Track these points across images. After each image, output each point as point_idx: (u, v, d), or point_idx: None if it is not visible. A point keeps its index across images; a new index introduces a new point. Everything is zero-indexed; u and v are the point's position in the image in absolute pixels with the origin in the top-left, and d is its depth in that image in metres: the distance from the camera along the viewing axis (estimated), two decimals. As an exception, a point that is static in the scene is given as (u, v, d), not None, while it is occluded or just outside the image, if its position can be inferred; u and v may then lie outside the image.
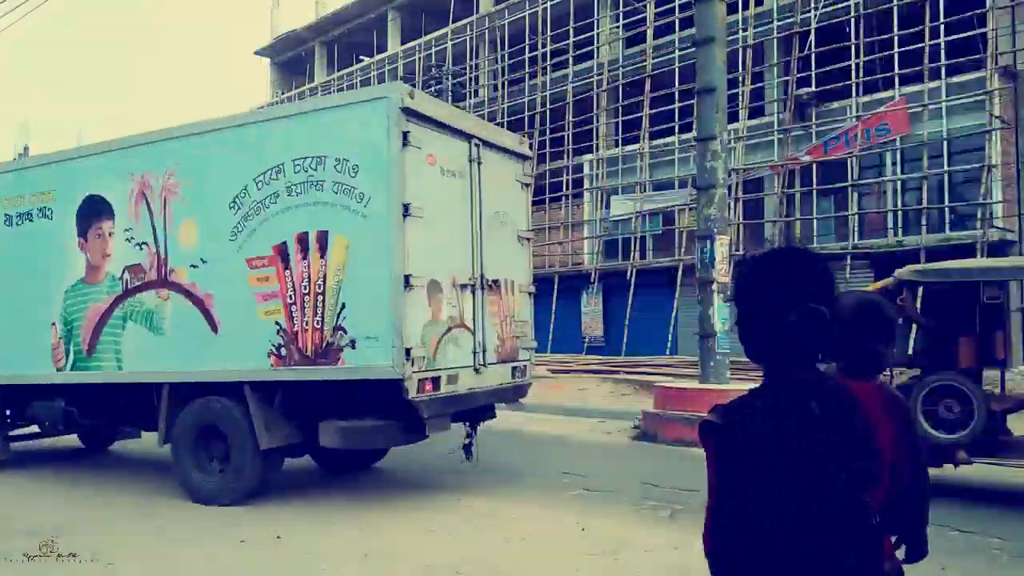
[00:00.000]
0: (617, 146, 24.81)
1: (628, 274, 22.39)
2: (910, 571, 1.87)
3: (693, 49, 13.24)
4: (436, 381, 6.79)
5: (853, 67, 18.88)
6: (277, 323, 6.86)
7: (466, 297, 7.36)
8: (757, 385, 1.69)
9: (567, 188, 25.31)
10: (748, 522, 1.56)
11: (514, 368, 8.13)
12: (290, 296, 6.81)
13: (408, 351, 6.36)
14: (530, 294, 8.68)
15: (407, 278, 6.41)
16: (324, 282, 6.64)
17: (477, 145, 7.60)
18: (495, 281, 7.75)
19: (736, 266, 1.74)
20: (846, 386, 1.71)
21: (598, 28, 25.73)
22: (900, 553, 1.95)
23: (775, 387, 1.63)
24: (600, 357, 22.55)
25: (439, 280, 6.94)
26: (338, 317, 6.57)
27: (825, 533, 1.53)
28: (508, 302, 8.03)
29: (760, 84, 21.56)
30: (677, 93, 21.92)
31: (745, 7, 20.83)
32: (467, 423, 7.94)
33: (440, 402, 6.86)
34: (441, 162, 7.09)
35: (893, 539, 1.87)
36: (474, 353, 7.42)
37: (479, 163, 7.59)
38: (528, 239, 8.67)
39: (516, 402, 8.67)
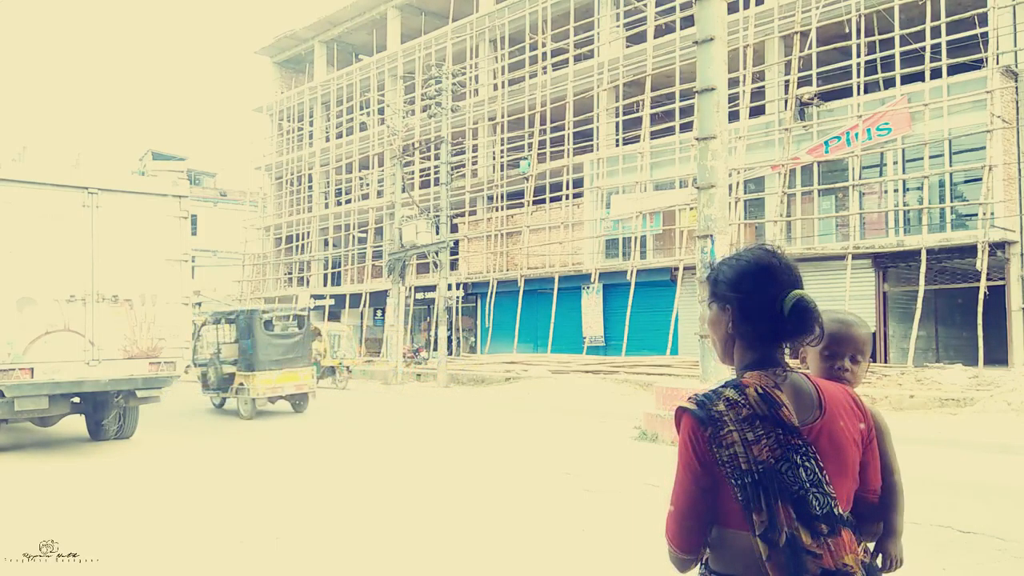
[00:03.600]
0: (617, 146, 24.80)
1: (628, 274, 22.38)
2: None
3: (693, 49, 13.22)
4: (32, 371, 9.22)
5: (854, 67, 18.86)
6: None
7: (75, 308, 9.65)
8: (729, 379, 1.71)
9: (567, 188, 25.31)
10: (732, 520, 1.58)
11: (152, 363, 10.24)
12: None
13: None
14: (190, 304, 11.29)
15: None
16: None
17: (94, 193, 9.87)
18: (115, 296, 9.99)
19: (724, 266, 1.77)
20: (823, 383, 1.75)
21: (598, 28, 25.72)
22: (878, 561, 1.97)
23: (765, 379, 1.65)
24: (600, 357, 22.55)
25: (32, 296, 9.34)
26: None
27: (829, 527, 1.55)
28: (143, 312, 10.22)
29: (760, 84, 21.55)
30: (677, 93, 21.91)
31: (745, 7, 20.82)
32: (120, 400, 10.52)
33: (34, 386, 9.33)
34: (39, 208, 9.45)
35: (868, 546, 1.88)
36: (86, 351, 9.66)
37: (96, 207, 9.88)
38: (183, 261, 10.79)
39: (155, 390, 10.59)
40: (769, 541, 1.53)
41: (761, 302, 1.67)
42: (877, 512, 1.80)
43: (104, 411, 10.99)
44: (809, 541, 1.53)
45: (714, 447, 1.58)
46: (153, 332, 10.26)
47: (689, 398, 1.66)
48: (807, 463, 1.57)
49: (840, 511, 1.58)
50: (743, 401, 1.61)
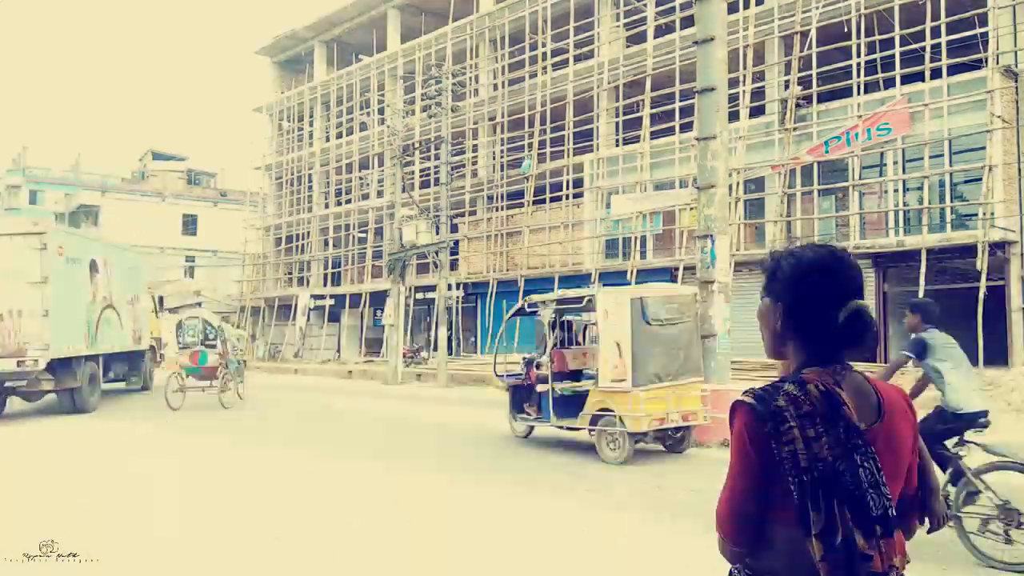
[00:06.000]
0: (617, 146, 24.80)
1: (628, 274, 22.37)
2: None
3: (693, 49, 13.22)
4: None
5: (854, 67, 18.86)
6: None
7: None
8: (785, 376, 1.68)
9: (567, 188, 25.31)
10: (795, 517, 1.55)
11: (19, 361, 13.34)
12: None
13: None
14: (47, 314, 13.45)
15: None
16: None
17: None
18: None
19: (784, 261, 1.74)
20: (884, 383, 1.74)
21: (598, 28, 25.72)
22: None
23: (825, 377, 1.64)
24: (600, 357, 22.52)
25: None
26: None
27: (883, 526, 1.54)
28: (13, 323, 13.38)
29: (760, 84, 21.55)
30: (677, 93, 21.90)
31: (745, 7, 20.81)
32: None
33: None
34: None
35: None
36: None
37: None
38: (41, 282, 13.47)
39: (21, 381, 13.72)
40: (826, 541, 1.51)
41: (815, 308, 1.65)
42: (915, 501, 1.78)
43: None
44: (863, 543, 1.52)
45: (773, 443, 1.56)
46: (18, 338, 13.36)
47: (745, 392, 1.64)
48: (867, 463, 1.55)
49: (894, 513, 1.57)
50: (804, 397, 1.58)
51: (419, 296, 29.98)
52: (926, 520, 1.98)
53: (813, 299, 1.66)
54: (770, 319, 1.73)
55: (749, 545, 1.65)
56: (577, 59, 25.92)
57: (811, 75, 19.59)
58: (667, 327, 9.42)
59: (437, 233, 25.46)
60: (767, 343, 1.77)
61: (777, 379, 1.66)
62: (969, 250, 16.71)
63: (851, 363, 1.70)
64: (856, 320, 1.62)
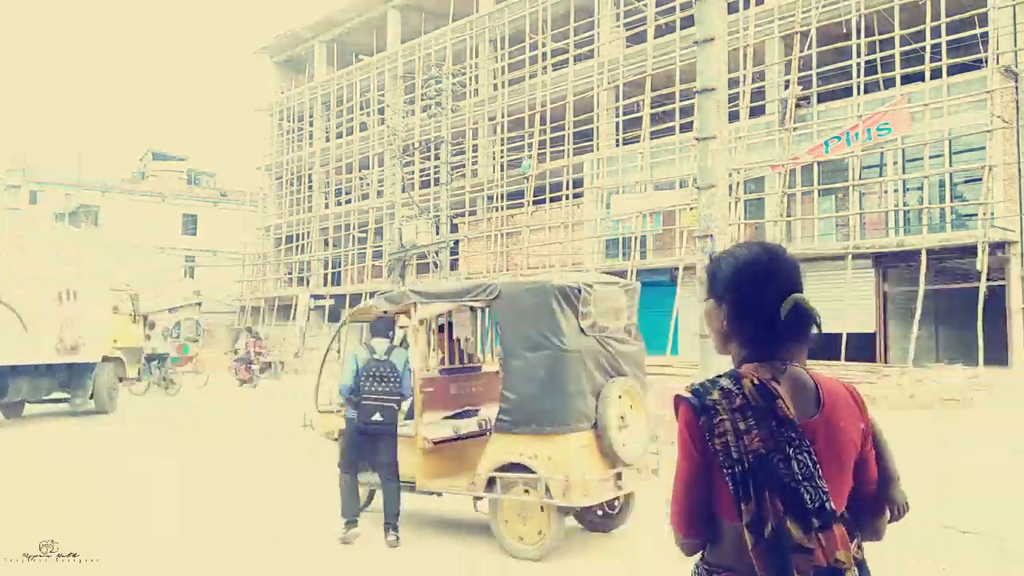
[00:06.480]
0: (617, 146, 24.80)
1: (628, 274, 22.34)
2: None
3: (693, 49, 13.20)
4: None
5: (854, 67, 18.86)
6: None
7: None
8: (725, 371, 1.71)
9: (567, 188, 25.31)
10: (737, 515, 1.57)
11: None
12: None
13: None
14: None
15: None
16: None
17: None
18: None
19: (721, 263, 1.76)
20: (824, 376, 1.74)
21: (598, 28, 25.72)
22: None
23: (762, 371, 1.66)
24: (600, 357, 22.51)
25: None
26: None
27: (821, 522, 1.54)
28: None
29: (760, 84, 21.55)
30: (677, 93, 21.90)
31: (745, 7, 20.81)
32: None
33: None
34: None
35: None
36: None
37: None
38: None
39: None
40: (755, 531, 1.54)
41: (757, 304, 1.67)
42: (878, 499, 1.79)
43: None
44: (799, 535, 1.53)
45: (707, 435, 1.60)
46: None
47: (687, 387, 1.69)
48: (800, 456, 1.57)
49: (832, 506, 1.58)
50: (737, 391, 1.62)
51: (419, 296, 29.91)
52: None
53: (753, 296, 1.68)
54: (715, 319, 1.75)
55: (699, 536, 1.68)
56: (577, 59, 25.91)
57: (811, 75, 19.58)
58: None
59: (437, 233, 25.48)
60: (716, 342, 1.79)
61: (717, 375, 1.69)
62: (969, 250, 16.70)
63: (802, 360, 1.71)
64: (797, 314, 1.64)
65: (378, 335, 6.14)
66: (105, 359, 15.13)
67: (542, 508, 5.37)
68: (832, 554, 1.54)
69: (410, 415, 6.35)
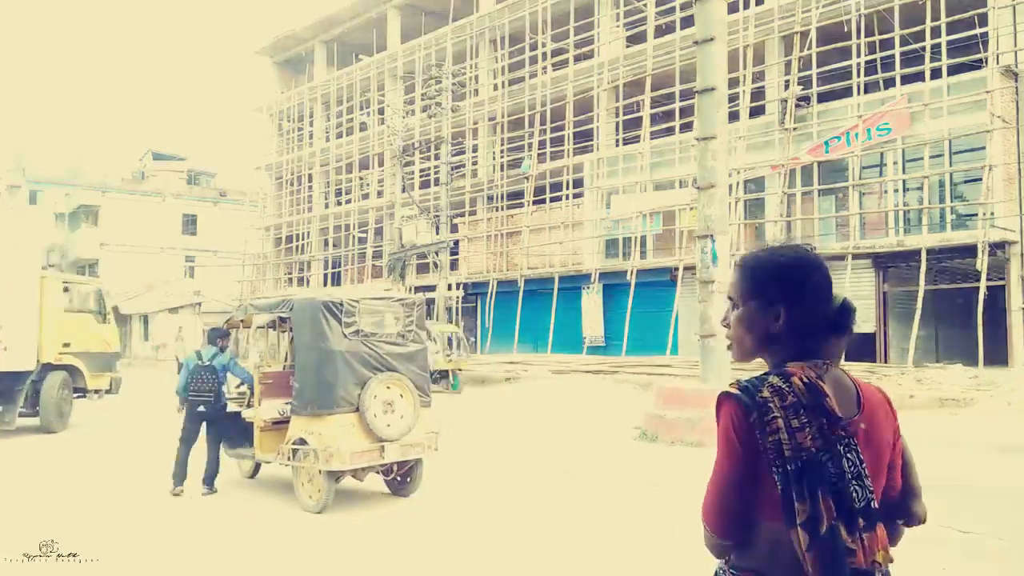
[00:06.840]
0: (617, 146, 24.80)
1: (628, 274, 22.37)
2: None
3: (693, 49, 13.22)
4: None
5: (854, 67, 18.86)
6: None
7: None
8: (769, 370, 1.69)
9: (567, 188, 25.31)
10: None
11: None
12: None
13: None
14: None
15: None
16: None
17: None
18: None
19: (767, 264, 1.75)
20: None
21: (598, 28, 25.73)
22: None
23: (809, 370, 1.65)
24: (600, 357, 22.53)
25: None
26: None
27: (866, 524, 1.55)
28: None
29: (760, 84, 21.55)
30: (677, 93, 21.91)
31: (745, 7, 20.82)
32: None
33: None
34: None
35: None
36: None
37: None
38: None
39: None
40: (811, 531, 1.52)
41: (815, 304, 1.69)
42: (898, 506, 1.79)
43: None
44: (845, 536, 1.52)
45: (758, 433, 1.57)
46: None
47: (732, 384, 1.66)
48: (849, 454, 1.57)
49: (876, 506, 1.58)
50: (788, 389, 1.60)
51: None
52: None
53: (816, 296, 1.70)
54: (760, 322, 1.71)
55: (734, 538, 1.65)
56: (577, 59, 25.92)
57: (811, 75, 19.59)
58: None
59: (437, 233, 25.48)
60: (750, 346, 1.75)
61: (763, 373, 1.68)
62: (969, 250, 16.71)
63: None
64: (846, 308, 1.70)
65: (210, 343, 8.01)
66: (49, 367, 12.46)
67: (320, 472, 6.86)
68: (871, 555, 1.54)
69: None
